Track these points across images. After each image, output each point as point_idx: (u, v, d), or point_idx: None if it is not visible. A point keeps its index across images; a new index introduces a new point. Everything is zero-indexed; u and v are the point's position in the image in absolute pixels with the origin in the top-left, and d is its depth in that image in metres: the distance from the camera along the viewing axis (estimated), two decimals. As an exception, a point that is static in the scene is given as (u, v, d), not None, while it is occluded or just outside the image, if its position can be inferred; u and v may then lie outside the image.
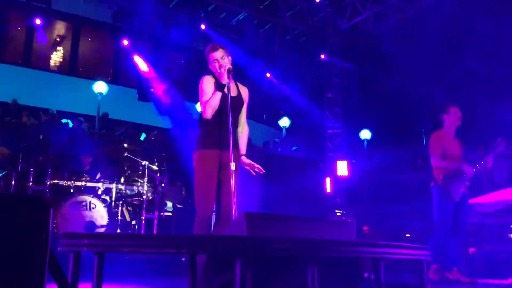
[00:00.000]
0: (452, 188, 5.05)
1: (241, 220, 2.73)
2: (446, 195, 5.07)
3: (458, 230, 5.13)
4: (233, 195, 3.40)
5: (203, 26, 11.87)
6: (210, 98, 3.58)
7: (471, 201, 5.71)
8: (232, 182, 3.39)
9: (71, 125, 11.29)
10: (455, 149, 5.28)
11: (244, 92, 3.85)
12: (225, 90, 3.58)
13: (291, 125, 16.41)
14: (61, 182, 6.20)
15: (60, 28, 16.04)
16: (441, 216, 5.10)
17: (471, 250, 6.82)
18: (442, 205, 5.10)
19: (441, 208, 5.11)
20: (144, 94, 11.39)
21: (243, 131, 3.85)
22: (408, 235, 8.85)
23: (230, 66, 3.64)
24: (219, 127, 3.63)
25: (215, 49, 3.70)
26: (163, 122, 13.65)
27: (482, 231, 6.92)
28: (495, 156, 5.20)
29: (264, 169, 6.84)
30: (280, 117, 16.45)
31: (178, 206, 8.39)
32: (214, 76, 3.75)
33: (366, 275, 3.28)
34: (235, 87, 3.81)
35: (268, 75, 12.93)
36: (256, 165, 3.76)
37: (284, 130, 16.15)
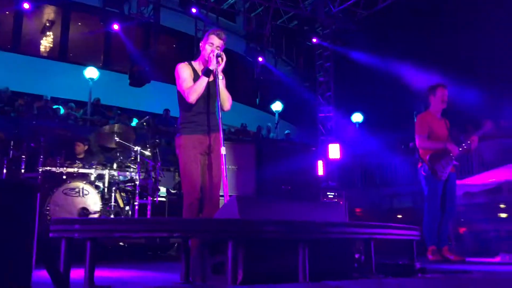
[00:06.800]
0: (438, 168, 5.13)
1: (233, 203, 2.75)
2: (433, 175, 5.14)
3: (447, 210, 5.21)
4: (225, 179, 3.43)
5: (194, 10, 11.77)
6: (196, 83, 3.56)
7: (460, 182, 5.79)
8: (223, 166, 3.41)
9: (62, 111, 11.25)
10: (441, 129, 5.34)
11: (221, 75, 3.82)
12: (215, 74, 3.58)
13: (283, 109, 16.43)
14: (53, 169, 6.18)
15: (49, 12, 15.86)
16: (429, 196, 5.18)
17: (461, 229, 6.93)
18: (430, 185, 5.18)
19: (429, 188, 5.19)
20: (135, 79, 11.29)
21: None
22: (399, 216, 8.96)
23: (220, 52, 3.63)
24: (203, 112, 3.63)
25: (219, 37, 3.67)
26: (155, 107, 13.62)
27: (472, 211, 7.01)
28: (481, 136, 5.27)
29: (257, 153, 6.87)
30: (272, 101, 16.47)
31: (172, 191, 8.41)
32: (189, 63, 3.74)
33: (357, 256, 3.33)
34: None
35: (260, 59, 12.87)
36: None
37: (276, 115, 16.17)
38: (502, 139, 9.91)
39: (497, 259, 5.35)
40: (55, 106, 11.20)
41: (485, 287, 2.28)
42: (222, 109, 3.55)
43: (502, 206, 7.00)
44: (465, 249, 6.58)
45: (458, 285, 2.35)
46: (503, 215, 6.99)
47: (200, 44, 3.76)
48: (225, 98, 3.64)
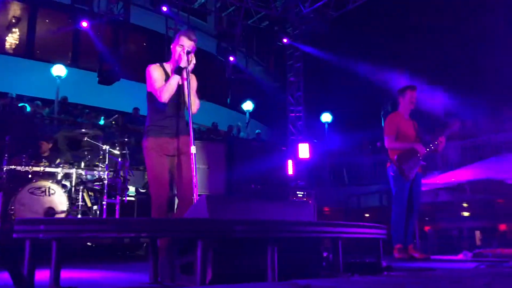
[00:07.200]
0: (406, 168, 5.23)
1: (202, 203, 2.75)
2: (401, 175, 5.24)
3: (413, 209, 5.32)
4: (194, 179, 3.42)
5: (164, 8, 11.67)
6: (167, 81, 3.54)
7: (426, 181, 5.93)
8: (193, 165, 3.40)
9: (28, 109, 11.00)
10: (409, 130, 5.45)
11: (192, 78, 3.80)
12: (184, 78, 3.56)
13: (254, 109, 16.48)
14: (18, 168, 6.04)
15: (15, 9, 15.47)
16: (397, 195, 5.28)
17: (426, 228, 7.11)
18: (398, 185, 5.28)
19: (397, 187, 5.29)
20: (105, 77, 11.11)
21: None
22: (367, 214, 9.12)
23: (190, 49, 3.61)
24: (172, 116, 3.62)
25: (189, 38, 3.64)
26: (124, 106, 13.45)
27: (436, 210, 7.19)
28: (448, 136, 5.40)
29: (227, 152, 6.87)
30: (243, 101, 16.48)
31: (141, 190, 8.33)
32: (161, 65, 3.72)
33: (325, 254, 3.37)
34: None
35: (231, 59, 12.86)
36: None
37: (247, 114, 16.20)
38: (466, 139, 10.21)
39: (460, 256, 5.51)
40: (20, 104, 10.94)
41: (447, 284, 2.34)
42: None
43: (465, 205, 7.22)
44: (429, 247, 6.75)
45: (422, 283, 2.41)
46: (466, 213, 7.22)
47: (171, 46, 3.74)
48: (193, 103, 3.63)
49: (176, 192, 3.63)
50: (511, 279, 2.48)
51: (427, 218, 7.17)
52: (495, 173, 7.24)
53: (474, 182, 7.14)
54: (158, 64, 3.71)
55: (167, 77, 3.61)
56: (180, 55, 3.56)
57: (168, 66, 3.71)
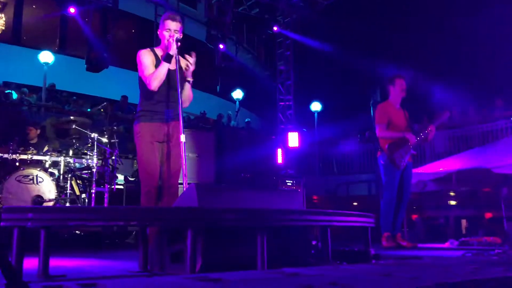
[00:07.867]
0: (396, 156, 5.25)
1: (192, 191, 2.75)
2: (392, 164, 5.26)
3: (403, 198, 5.36)
4: (184, 167, 3.41)
5: (153, -5, 11.56)
6: (157, 69, 3.52)
7: (414, 170, 5.98)
8: (182, 154, 3.40)
9: (15, 96, 10.87)
10: (400, 119, 5.46)
11: (185, 63, 3.77)
12: (173, 60, 3.55)
13: (244, 97, 16.43)
14: (5, 155, 5.98)
15: (1, -7, 15.18)
16: (387, 184, 5.32)
17: (413, 216, 7.19)
18: (388, 174, 5.31)
19: (387, 176, 5.32)
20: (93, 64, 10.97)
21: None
22: (355, 203, 9.19)
23: (179, 36, 3.59)
24: (163, 101, 3.60)
25: (174, 20, 3.62)
26: (113, 93, 13.34)
27: (424, 199, 7.26)
28: (437, 126, 5.44)
29: (217, 141, 6.86)
30: (233, 89, 16.42)
31: (130, 179, 8.30)
32: (152, 49, 3.69)
33: (314, 242, 3.40)
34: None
35: (221, 46, 12.77)
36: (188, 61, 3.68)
37: (237, 103, 16.15)
38: (454, 129, 10.30)
39: (446, 244, 5.58)
40: (7, 91, 10.80)
41: (434, 271, 2.38)
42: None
43: (451, 194, 7.30)
44: (417, 235, 6.83)
45: (409, 271, 2.44)
46: (452, 202, 7.30)
47: (158, 32, 3.71)
48: (187, 98, 3.65)
49: (163, 180, 3.60)
50: (495, 267, 2.52)
51: (414, 207, 7.24)
52: (481, 163, 7.32)
53: (461, 172, 7.23)
54: (149, 49, 3.68)
55: (158, 62, 3.59)
56: (169, 42, 3.54)
57: (159, 51, 3.69)
